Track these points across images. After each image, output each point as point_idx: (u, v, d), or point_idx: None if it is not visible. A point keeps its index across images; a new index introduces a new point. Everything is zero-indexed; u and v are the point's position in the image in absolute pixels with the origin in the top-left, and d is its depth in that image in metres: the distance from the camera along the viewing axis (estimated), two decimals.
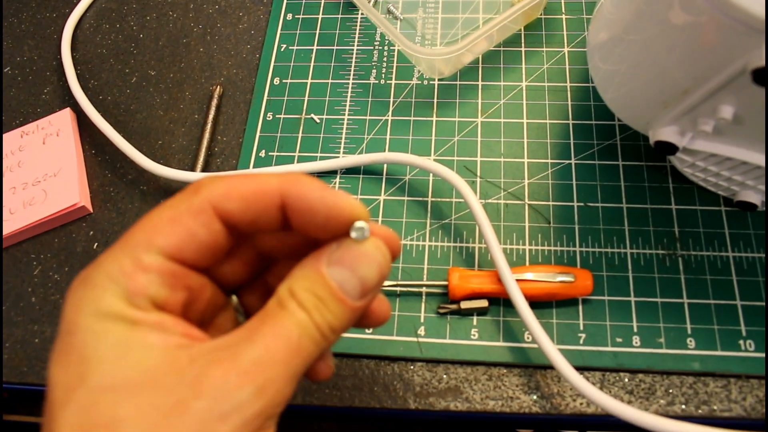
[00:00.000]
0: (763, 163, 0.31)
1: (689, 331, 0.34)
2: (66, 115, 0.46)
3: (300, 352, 0.20)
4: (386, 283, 0.36)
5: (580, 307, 0.36)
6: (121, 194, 0.43)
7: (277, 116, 0.43)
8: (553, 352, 0.32)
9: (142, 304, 0.19)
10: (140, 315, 0.19)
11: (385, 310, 0.25)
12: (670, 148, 0.33)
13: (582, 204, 0.38)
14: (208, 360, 0.19)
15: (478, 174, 0.40)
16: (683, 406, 0.33)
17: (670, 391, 0.34)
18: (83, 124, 0.46)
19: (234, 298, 0.25)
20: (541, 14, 0.45)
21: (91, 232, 0.42)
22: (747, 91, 0.27)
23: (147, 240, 0.20)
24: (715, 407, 0.33)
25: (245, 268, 0.24)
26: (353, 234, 0.21)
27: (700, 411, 0.33)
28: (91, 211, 0.43)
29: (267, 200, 0.21)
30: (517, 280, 0.34)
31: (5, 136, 0.45)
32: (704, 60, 0.28)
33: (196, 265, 0.21)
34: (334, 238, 0.21)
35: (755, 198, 0.35)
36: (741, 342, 0.34)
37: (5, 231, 0.41)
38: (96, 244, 0.41)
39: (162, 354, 0.19)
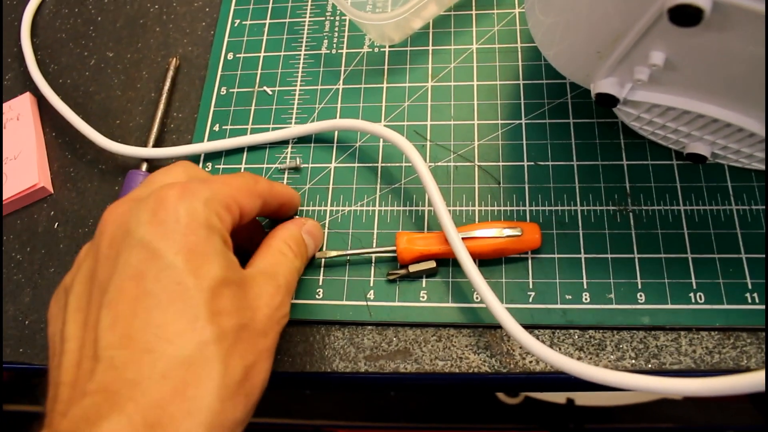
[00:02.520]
0: (703, 111, 0.31)
1: (640, 286, 0.34)
2: (26, 99, 0.46)
3: (297, 278, 0.33)
4: (335, 253, 0.36)
5: (530, 266, 0.35)
6: (80, 174, 0.43)
7: (230, 90, 0.44)
8: (500, 311, 0.32)
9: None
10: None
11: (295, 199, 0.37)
12: (611, 100, 0.33)
13: (532, 163, 0.38)
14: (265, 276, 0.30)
15: (428, 138, 0.40)
16: (633, 361, 0.33)
17: (621, 346, 0.34)
18: (43, 107, 0.46)
19: None
20: None
21: (52, 212, 0.42)
22: (672, 34, 0.27)
23: (233, 196, 0.29)
24: (664, 360, 0.33)
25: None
26: None
27: (650, 365, 0.33)
28: (52, 191, 0.43)
29: (260, 196, 0.32)
30: (464, 238, 0.34)
31: None
32: (628, 3, 0.27)
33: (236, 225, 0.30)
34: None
35: (704, 150, 0.35)
36: (691, 295, 0.34)
37: None
38: (57, 223, 0.42)
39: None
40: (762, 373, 0.25)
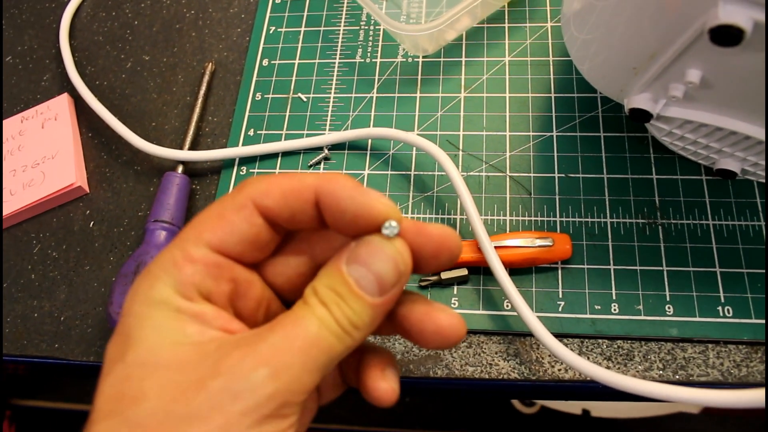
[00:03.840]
0: (736, 128, 0.32)
1: (668, 298, 0.35)
2: (63, 100, 0.47)
3: (319, 343, 0.20)
4: None
5: (560, 275, 0.36)
6: (116, 174, 0.44)
7: (265, 96, 0.44)
8: (531, 319, 0.33)
9: (189, 294, 0.21)
10: (184, 304, 0.21)
11: (448, 325, 0.23)
12: (645, 116, 0.33)
13: (563, 175, 0.39)
14: (230, 346, 0.20)
15: (461, 147, 0.40)
16: (661, 372, 0.34)
17: (648, 356, 0.34)
18: (80, 108, 0.47)
19: None
20: None
21: (88, 211, 0.43)
22: (710, 53, 0.27)
23: (196, 235, 0.22)
24: (692, 372, 0.33)
25: (301, 279, 0.25)
26: (384, 231, 0.21)
27: (677, 376, 0.33)
28: (88, 191, 0.44)
29: (303, 197, 0.22)
30: (496, 247, 0.35)
31: (6, 121, 0.47)
32: (667, 22, 0.28)
33: (241, 258, 0.23)
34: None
35: (734, 166, 0.35)
36: (719, 308, 0.34)
37: (6, 211, 0.43)
38: (92, 222, 0.43)
39: (195, 342, 0.21)
40: (762, 391, 0.25)
